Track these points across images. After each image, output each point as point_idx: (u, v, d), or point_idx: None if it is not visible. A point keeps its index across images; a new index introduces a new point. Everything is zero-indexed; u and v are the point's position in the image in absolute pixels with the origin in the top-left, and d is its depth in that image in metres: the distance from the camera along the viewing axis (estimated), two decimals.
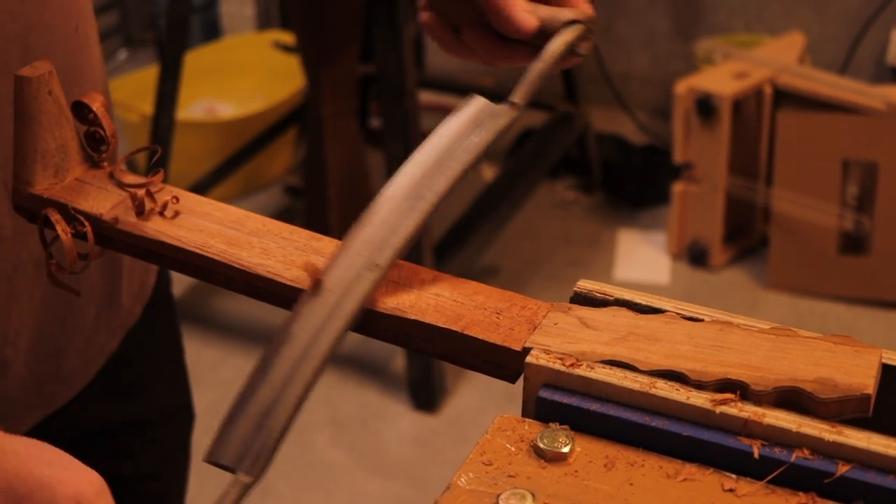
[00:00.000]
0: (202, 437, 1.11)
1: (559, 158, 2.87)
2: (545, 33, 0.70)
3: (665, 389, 0.53)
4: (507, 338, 0.58)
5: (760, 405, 0.52)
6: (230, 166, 2.69)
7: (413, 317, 0.59)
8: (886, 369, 0.54)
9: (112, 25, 3.68)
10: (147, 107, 2.64)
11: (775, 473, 0.50)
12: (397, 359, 2.33)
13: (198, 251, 0.64)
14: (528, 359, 0.55)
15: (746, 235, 2.66)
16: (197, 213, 0.66)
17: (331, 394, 2.28)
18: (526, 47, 0.71)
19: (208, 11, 3.54)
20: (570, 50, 0.70)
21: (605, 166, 2.95)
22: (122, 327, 0.91)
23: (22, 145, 0.66)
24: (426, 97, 3.08)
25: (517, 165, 2.74)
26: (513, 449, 0.53)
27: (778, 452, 0.50)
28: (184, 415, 1.03)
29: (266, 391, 0.56)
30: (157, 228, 0.65)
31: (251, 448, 0.54)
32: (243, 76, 3.19)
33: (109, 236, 0.66)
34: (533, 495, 0.50)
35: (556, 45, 0.69)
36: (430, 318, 0.59)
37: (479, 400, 2.26)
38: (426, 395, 2.24)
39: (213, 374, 2.30)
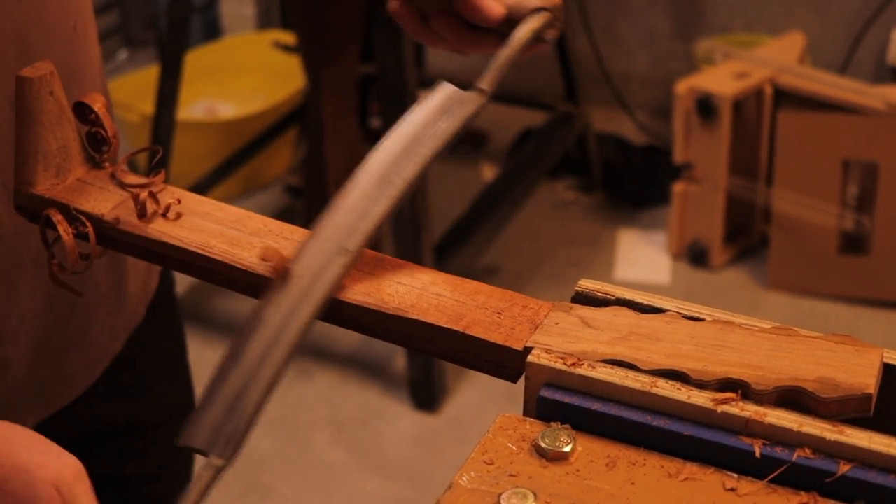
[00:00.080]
0: None
1: (559, 158, 2.87)
2: (512, 21, 0.71)
3: (666, 389, 0.53)
4: (508, 337, 0.58)
5: (762, 404, 0.52)
6: (230, 166, 2.69)
7: (415, 316, 0.60)
8: (887, 369, 0.54)
9: (112, 25, 3.68)
10: (147, 107, 2.64)
11: (777, 473, 0.50)
12: (398, 358, 2.33)
13: (199, 251, 0.64)
14: (530, 358, 0.55)
15: (746, 235, 2.66)
16: (198, 213, 0.66)
17: (331, 394, 2.28)
18: (494, 35, 0.72)
19: (208, 11, 3.54)
20: (537, 37, 0.71)
21: (606, 166, 2.95)
22: (125, 329, 0.91)
23: (23, 146, 0.66)
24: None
25: (517, 165, 2.74)
26: (514, 448, 0.53)
27: (779, 452, 0.50)
28: (187, 415, 1.03)
29: (237, 376, 0.57)
30: (158, 229, 0.65)
31: (223, 432, 0.55)
32: (243, 76, 3.19)
33: (111, 236, 0.66)
34: (534, 494, 0.50)
35: (523, 32, 0.70)
36: (431, 318, 0.59)
37: (480, 399, 2.26)
38: (427, 395, 2.24)
39: None
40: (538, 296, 0.61)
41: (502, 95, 3.47)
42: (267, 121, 2.85)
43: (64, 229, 0.65)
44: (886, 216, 2.41)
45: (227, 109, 3.09)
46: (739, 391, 0.52)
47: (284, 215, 2.82)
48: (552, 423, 0.54)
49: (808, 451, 0.50)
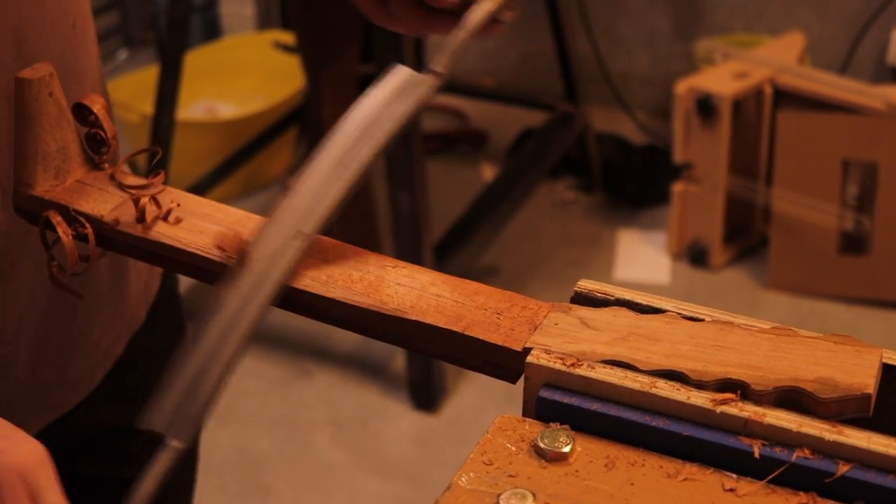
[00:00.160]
0: (203, 437, 1.11)
1: (559, 158, 2.87)
2: (468, 2, 0.71)
3: (666, 389, 0.53)
4: (507, 338, 0.58)
5: (761, 405, 0.52)
6: (230, 166, 2.69)
7: (414, 317, 0.60)
8: (887, 369, 0.54)
9: (112, 25, 3.68)
10: (147, 107, 2.64)
11: (776, 473, 0.50)
12: (397, 359, 2.33)
13: (199, 253, 0.64)
14: (529, 358, 0.55)
15: (746, 235, 2.66)
16: (198, 214, 0.66)
17: (331, 394, 2.28)
18: (450, 17, 0.72)
19: (208, 11, 3.54)
20: (493, 18, 0.71)
21: (605, 166, 2.95)
22: (126, 330, 0.91)
23: (23, 147, 0.66)
24: None
25: (517, 165, 2.74)
26: (513, 449, 0.53)
27: (778, 452, 0.50)
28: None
29: (196, 360, 0.57)
30: (158, 230, 0.65)
31: (181, 415, 0.56)
32: (243, 76, 3.19)
33: (110, 238, 0.66)
34: (534, 495, 0.50)
35: (478, 13, 0.70)
36: (430, 319, 0.59)
37: (480, 400, 2.26)
38: (426, 395, 2.24)
39: None
40: (538, 296, 0.61)
41: (502, 95, 3.47)
42: (267, 121, 2.85)
43: (63, 231, 0.65)
44: (886, 216, 2.41)
45: (227, 109, 3.09)
46: (739, 391, 0.52)
47: None
48: (551, 424, 0.54)
49: (807, 451, 0.50)
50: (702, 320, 0.57)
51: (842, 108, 2.40)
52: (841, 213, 2.43)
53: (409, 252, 2.14)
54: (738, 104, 2.48)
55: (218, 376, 0.56)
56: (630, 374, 0.54)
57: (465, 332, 0.58)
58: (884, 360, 0.54)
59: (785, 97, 2.48)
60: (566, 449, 0.52)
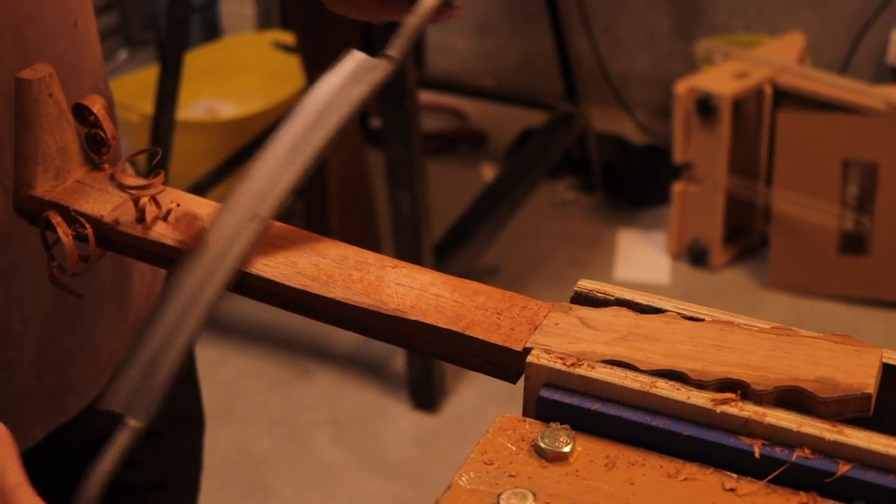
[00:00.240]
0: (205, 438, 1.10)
1: (559, 158, 2.87)
2: None
3: (666, 389, 0.53)
4: (507, 338, 0.58)
5: (761, 405, 0.52)
6: (230, 166, 2.69)
7: (414, 317, 0.60)
8: (887, 369, 0.54)
9: (112, 25, 3.68)
10: (147, 107, 2.64)
11: (776, 473, 0.50)
12: (397, 358, 2.34)
13: None
14: (530, 358, 0.55)
15: (746, 235, 2.66)
16: None
17: (331, 394, 2.28)
18: (404, 2, 0.72)
19: (208, 11, 3.54)
20: (447, 2, 0.71)
21: (605, 166, 2.95)
22: (130, 334, 0.90)
23: (23, 148, 0.66)
24: (426, 97, 3.08)
25: (517, 165, 2.74)
26: (514, 448, 0.53)
27: (779, 452, 0.50)
28: (193, 422, 1.02)
29: (154, 341, 0.58)
30: (158, 230, 0.65)
31: (140, 395, 0.57)
32: (243, 76, 3.19)
33: (111, 238, 0.66)
34: (534, 495, 0.50)
35: None
36: (430, 319, 0.59)
37: (480, 400, 2.26)
38: (426, 395, 2.24)
39: (213, 373, 2.31)
40: (538, 296, 0.61)
41: (502, 95, 3.47)
42: (267, 121, 2.85)
43: (63, 231, 0.65)
44: (886, 216, 2.41)
45: (227, 109, 3.09)
46: (739, 391, 0.52)
47: (284, 215, 2.82)
48: (551, 424, 0.54)
49: (807, 451, 0.50)
50: (702, 320, 0.57)
51: (842, 108, 2.40)
52: (841, 213, 2.43)
53: (409, 252, 2.14)
54: (738, 104, 2.48)
55: (175, 357, 0.58)
56: (630, 373, 0.54)
57: (466, 333, 0.58)
58: (884, 360, 0.54)
59: (785, 97, 2.48)
60: (566, 449, 0.52)
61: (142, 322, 0.92)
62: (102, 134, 0.68)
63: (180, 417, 1.00)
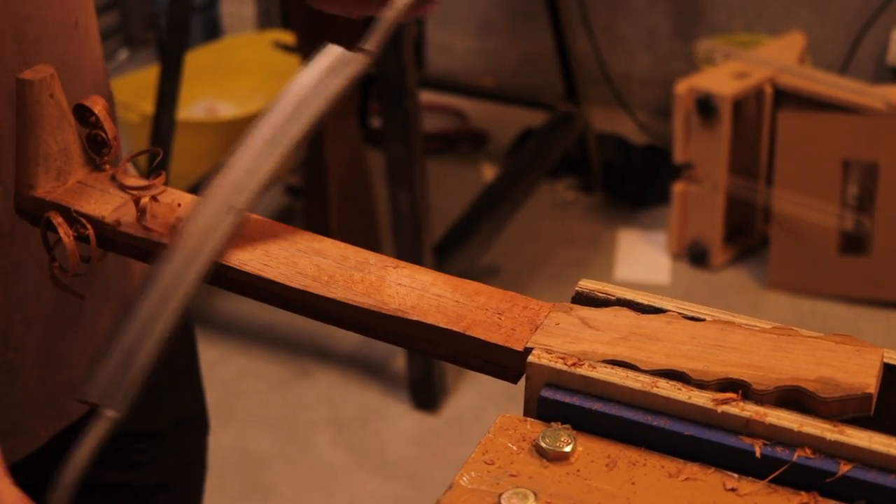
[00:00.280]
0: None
1: (559, 158, 2.87)
2: None
3: (667, 389, 0.53)
4: (509, 338, 0.58)
5: (762, 404, 0.52)
6: None
7: (415, 318, 0.60)
8: (888, 368, 0.54)
9: (112, 25, 3.68)
10: (147, 107, 2.64)
11: (777, 473, 0.50)
12: (398, 359, 2.34)
13: None
14: (531, 358, 0.55)
15: (747, 235, 2.66)
16: None
17: (331, 394, 2.28)
18: None
19: (208, 11, 3.55)
20: None
21: (606, 166, 2.95)
22: None
23: (24, 149, 0.66)
24: (426, 97, 3.08)
25: (517, 165, 2.74)
26: (515, 448, 0.53)
27: (780, 452, 0.50)
28: (197, 425, 1.02)
29: (131, 332, 0.59)
30: (159, 231, 0.65)
31: (116, 385, 0.57)
32: (243, 76, 3.19)
33: (112, 239, 0.66)
34: (535, 494, 0.50)
35: None
36: (432, 319, 0.59)
37: (480, 400, 2.26)
38: (427, 395, 2.24)
39: (213, 373, 2.31)
40: (538, 296, 0.61)
41: (502, 95, 3.47)
42: None
43: (64, 232, 0.65)
44: (886, 216, 2.41)
45: (227, 109, 3.09)
46: (740, 391, 0.52)
47: (284, 215, 2.83)
48: (552, 424, 0.54)
49: (808, 451, 0.50)
50: (703, 320, 0.57)
51: (842, 108, 2.40)
52: (841, 213, 2.43)
53: (409, 252, 2.14)
54: (739, 104, 2.48)
55: (151, 349, 0.58)
56: (631, 373, 0.54)
57: (467, 333, 0.58)
58: (885, 360, 0.54)
59: (785, 97, 2.48)
60: (567, 448, 0.52)
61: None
62: (103, 135, 0.68)
63: (184, 419, 0.99)
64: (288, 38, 3.03)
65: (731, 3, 3.15)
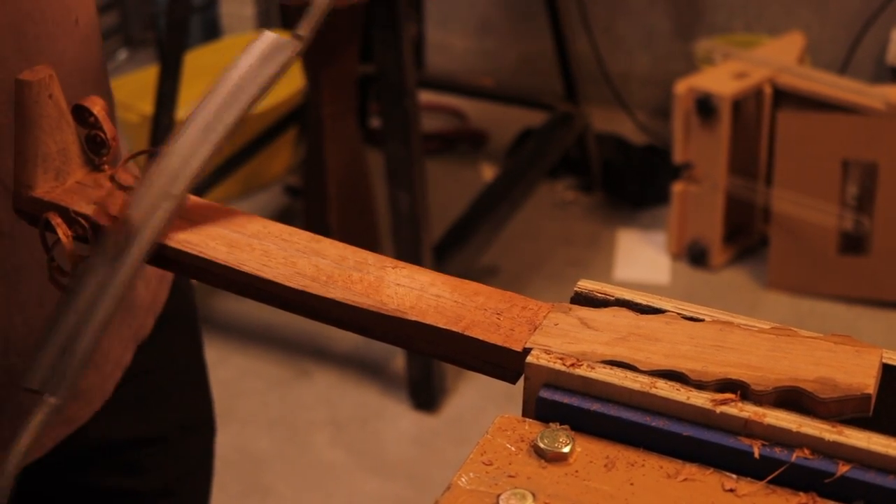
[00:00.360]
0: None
1: (559, 158, 2.88)
2: None
3: (665, 389, 0.53)
4: (507, 338, 0.58)
5: (761, 405, 0.52)
6: (230, 166, 2.70)
7: (414, 318, 0.59)
8: (887, 369, 0.54)
9: (112, 25, 3.68)
10: (147, 107, 2.64)
11: (776, 473, 0.50)
12: (397, 359, 2.34)
13: (198, 254, 0.64)
14: (529, 359, 0.55)
15: (746, 235, 2.66)
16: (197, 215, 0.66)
17: (331, 394, 2.28)
18: None
19: (208, 11, 3.55)
20: None
21: (605, 166, 2.95)
22: (133, 340, 0.89)
23: (22, 149, 0.66)
24: (426, 97, 3.08)
25: (517, 165, 2.74)
26: (513, 449, 0.53)
27: (778, 452, 0.50)
28: (203, 430, 1.01)
29: (70, 319, 0.59)
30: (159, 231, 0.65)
31: (57, 372, 0.58)
32: None
33: None
34: (533, 495, 0.50)
35: None
36: (430, 320, 0.59)
37: (479, 400, 2.26)
38: (426, 395, 2.24)
39: (213, 373, 2.29)
40: (538, 296, 0.61)
41: (502, 95, 3.47)
42: (267, 121, 2.85)
43: (63, 232, 0.65)
44: (886, 216, 2.41)
45: None
46: (738, 392, 0.52)
47: (284, 215, 2.83)
48: (551, 424, 0.54)
49: (807, 451, 0.50)
50: (702, 320, 0.57)
51: (842, 108, 2.40)
52: (841, 213, 2.43)
53: (408, 252, 2.14)
54: (738, 104, 2.48)
55: (92, 335, 0.59)
56: (630, 374, 0.54)
57: (465, 333, 0.58)
58: (884, 361, 0.54)
59: (785, 97, 2.48)
60: (566, 449, 0.52)
61: (145, 329, 0.91)
62: (102, 135, 0.68)
63: (190, 425, 0.99)
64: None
65: (730, 3, 3.15)
